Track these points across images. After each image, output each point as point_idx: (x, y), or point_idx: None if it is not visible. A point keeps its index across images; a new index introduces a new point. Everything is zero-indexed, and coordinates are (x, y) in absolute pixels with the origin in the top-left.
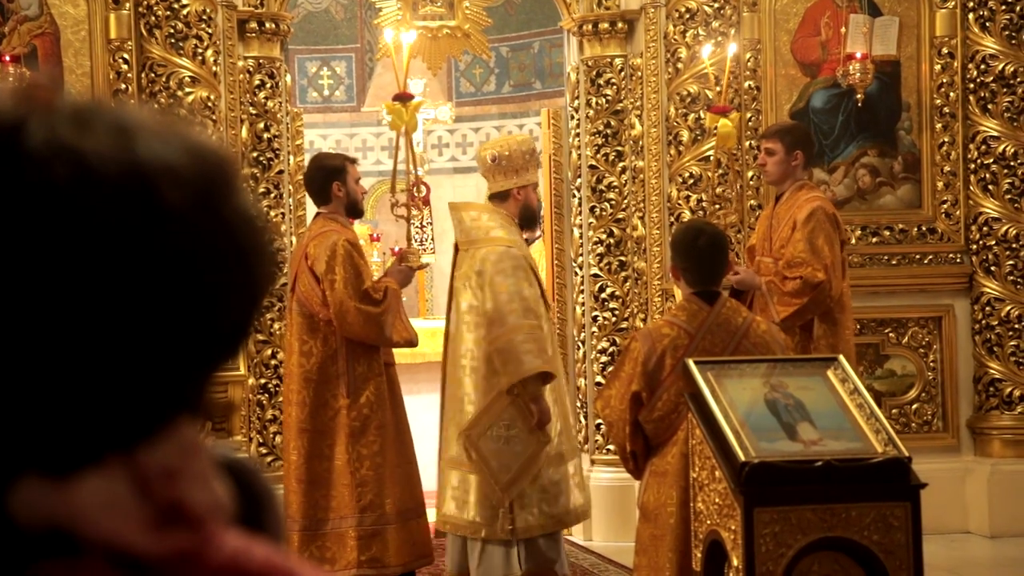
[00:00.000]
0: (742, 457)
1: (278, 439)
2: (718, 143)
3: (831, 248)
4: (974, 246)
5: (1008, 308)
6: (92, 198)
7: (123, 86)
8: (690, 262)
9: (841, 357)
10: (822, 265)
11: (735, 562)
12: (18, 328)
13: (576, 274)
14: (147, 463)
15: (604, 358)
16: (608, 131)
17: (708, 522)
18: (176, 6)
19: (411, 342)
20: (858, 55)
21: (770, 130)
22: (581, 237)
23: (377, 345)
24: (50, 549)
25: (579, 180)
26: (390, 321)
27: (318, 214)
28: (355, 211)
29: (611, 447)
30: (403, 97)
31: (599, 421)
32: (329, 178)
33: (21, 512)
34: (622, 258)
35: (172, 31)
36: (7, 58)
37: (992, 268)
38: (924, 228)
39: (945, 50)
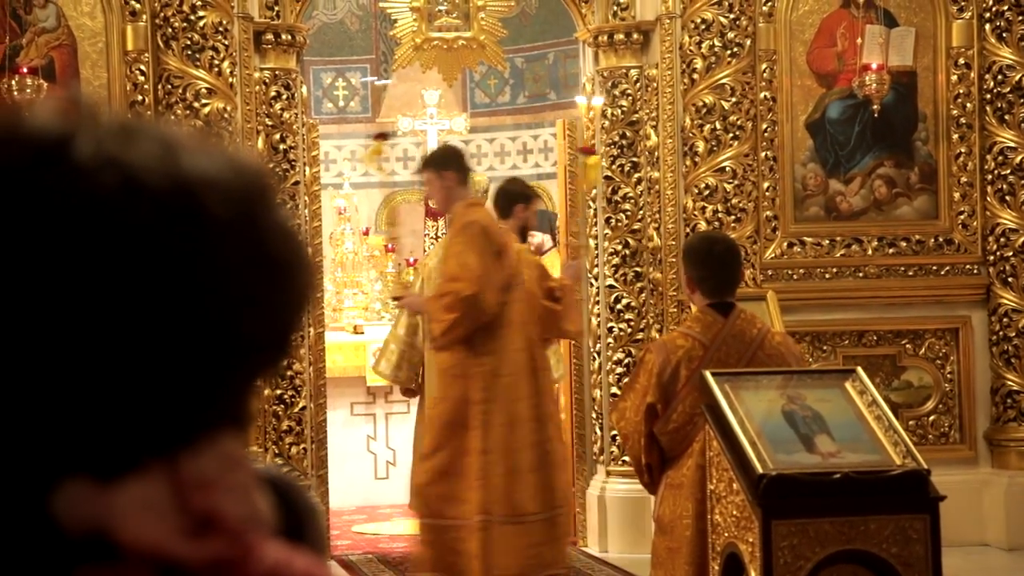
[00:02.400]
0: (760, 469)
1: (294, 450)
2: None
3: (481, 261)
4: (991, 257)
5: None
6: (139, 208)
7: (140, 98)
8: (708, 270)
9: (859, 369)
10: (472, 278)
11: (753, 575)
12: (63, 332)
13: (591, 285)
14: (185, 472)
15: (619, 369)
16: (623, 142)
17: (725, 534)
18: (193, 18)
19: (580, 333)
20: (874, 66)
21: (420, 165)
22: (596, 248)
23: (555, 337)
24: (91, 553)
25: (594, 191)
26: (570, 316)
27: None
28: (523, 236)
29: (626, 458)
30: (588, 151)
31: (615, 432)
32: (516, 199)
33: (64, 515)
34: (638, 269)
35: (189, 43)
36: (24, 69)
37: (1009, 279)
38: (941, 239)
39: (962, 61)
